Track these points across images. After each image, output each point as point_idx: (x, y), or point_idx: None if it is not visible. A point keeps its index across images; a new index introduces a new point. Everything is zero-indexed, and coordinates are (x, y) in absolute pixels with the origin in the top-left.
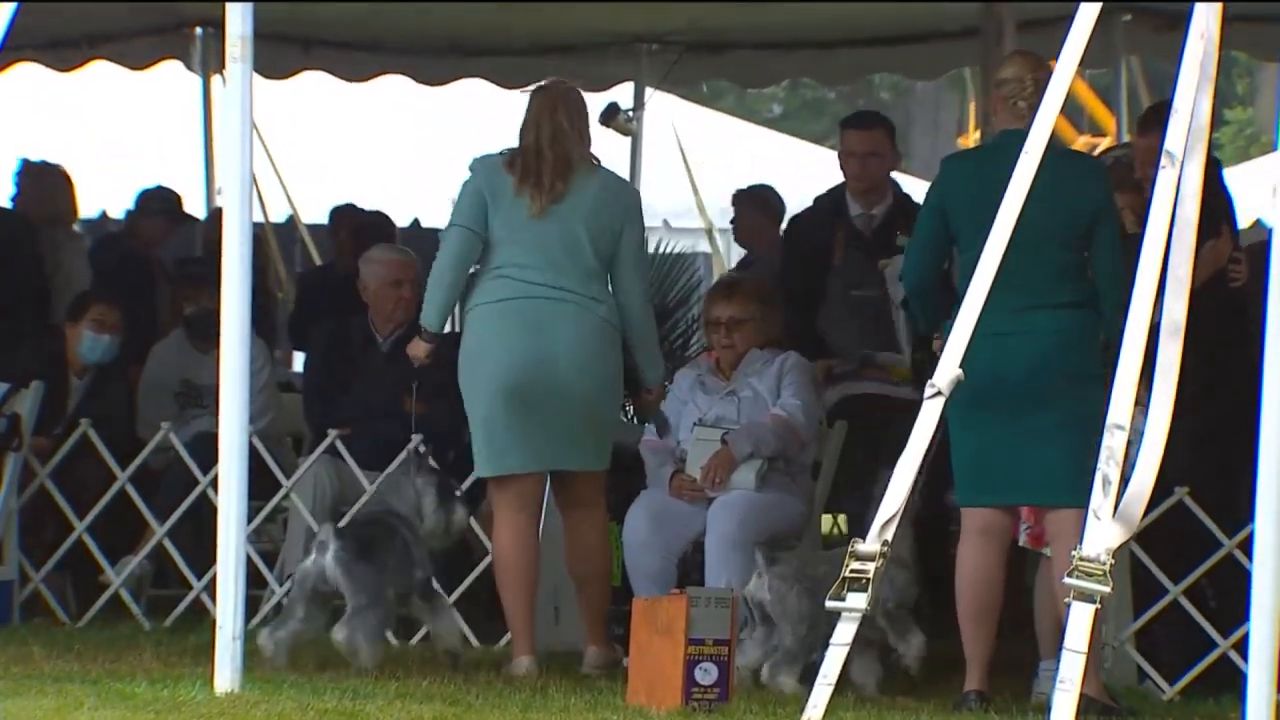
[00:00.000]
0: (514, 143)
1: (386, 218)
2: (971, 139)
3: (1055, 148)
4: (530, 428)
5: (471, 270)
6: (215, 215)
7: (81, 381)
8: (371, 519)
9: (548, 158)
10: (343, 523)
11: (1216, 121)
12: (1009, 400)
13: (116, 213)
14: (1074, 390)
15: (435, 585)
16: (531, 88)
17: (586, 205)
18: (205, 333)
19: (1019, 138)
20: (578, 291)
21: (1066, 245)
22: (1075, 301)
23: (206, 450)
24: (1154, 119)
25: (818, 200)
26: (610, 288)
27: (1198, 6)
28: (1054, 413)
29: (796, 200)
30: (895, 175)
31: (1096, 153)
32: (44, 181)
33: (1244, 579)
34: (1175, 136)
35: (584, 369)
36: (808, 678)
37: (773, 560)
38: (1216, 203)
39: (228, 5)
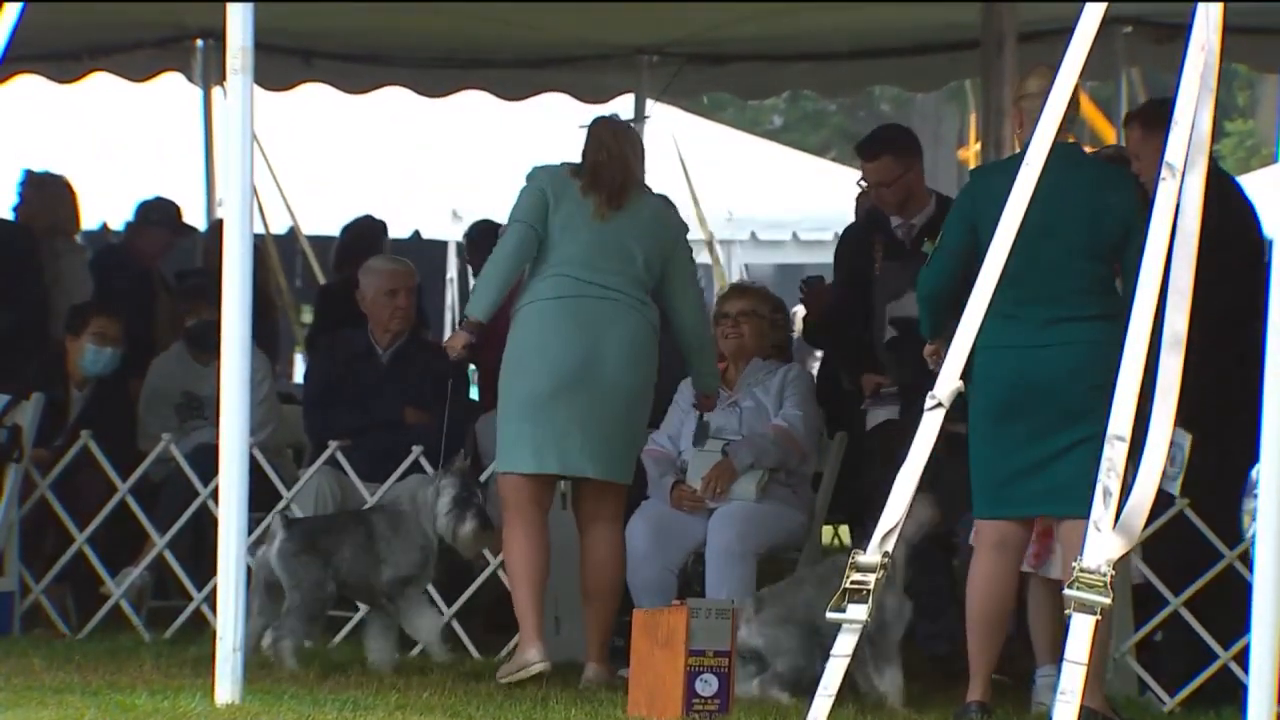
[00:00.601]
0: (515, 152)
1: (375, 225)
2: (972, 151)
3: (1085, 159)
4: (570, 429)
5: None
6: (216, 227)
7: (82, 393)
8: (343, 513)
9: (616, 168)
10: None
11: (1217, 134)
12: (1036, 412)
13: (117, 224)
14: (1102, 403)
15: (420, 588)
16: (588, 121)
17: (642, 223)
18: (206, 344)
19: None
20: (627, 293)
21: (1096, 257)
22: (1105, 314)
23: (207, 462)
24: (1151, 112)
25: (865, 213)
26: (660, 302)
27: (1198, 18)
28: (1082, 425)
29: (798, 212)
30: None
31: None
32: (46, 192)
33: (1245, 590)
34: (1175, 148)
35: (630, 368)
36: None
37: (760, 605)
38: (1251, 234)
39: (229, 18)
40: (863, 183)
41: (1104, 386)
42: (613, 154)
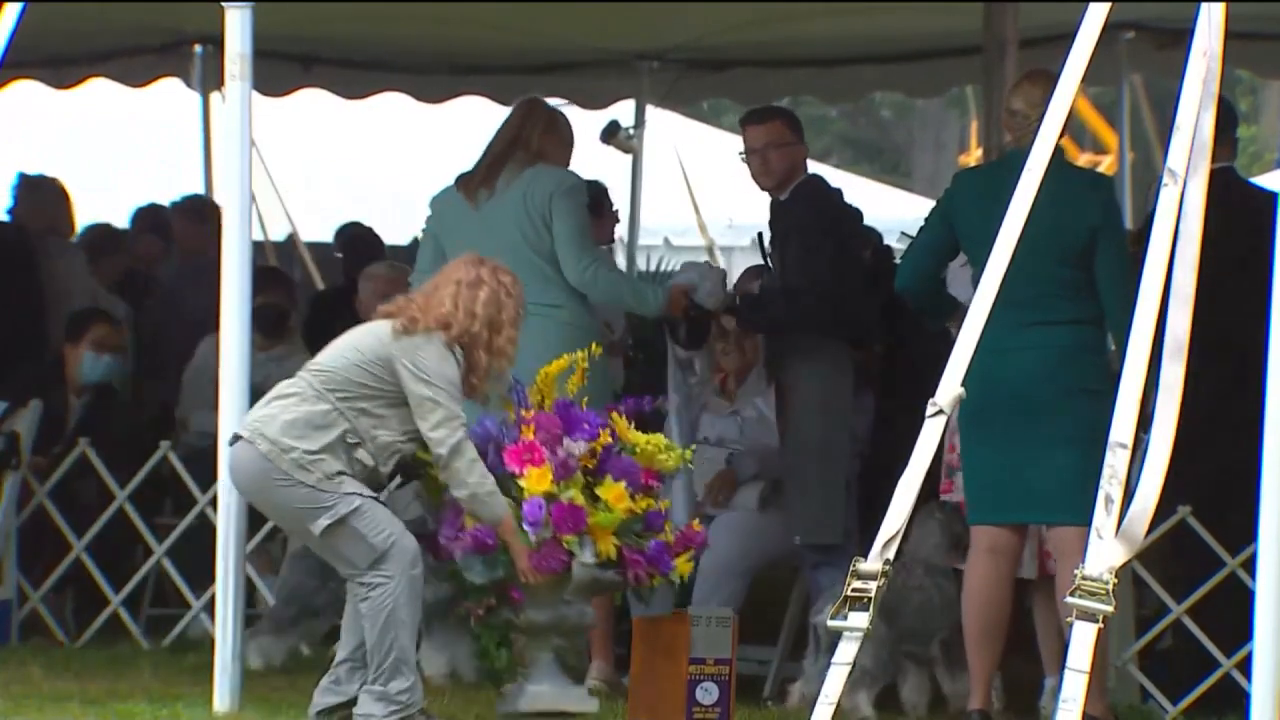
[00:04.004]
0: None
1: (368, 230)
2: (974, 157)
3: (1057, 163)
4: None
5: None
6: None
7: (80, 401)
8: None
9: (493, 152)
10: None
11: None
12: (1009, 416)
13: None
14: (1075, 406)
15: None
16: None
17: (515, 201)
18: (269, 328)
19: (1027, 153)
20: (535, 301)
21: (1065, 262)
22: (1077, 318)
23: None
24: None
25: None
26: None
27: (1200, 24)
28: (1055, 428)
29: None
30: (893, 192)
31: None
32: (39, 193)
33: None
34: (1177, 154)
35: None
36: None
37: None
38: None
39: (227, 24)
40: (743, 153)
41: (1076, 389)
42: (503, 136)
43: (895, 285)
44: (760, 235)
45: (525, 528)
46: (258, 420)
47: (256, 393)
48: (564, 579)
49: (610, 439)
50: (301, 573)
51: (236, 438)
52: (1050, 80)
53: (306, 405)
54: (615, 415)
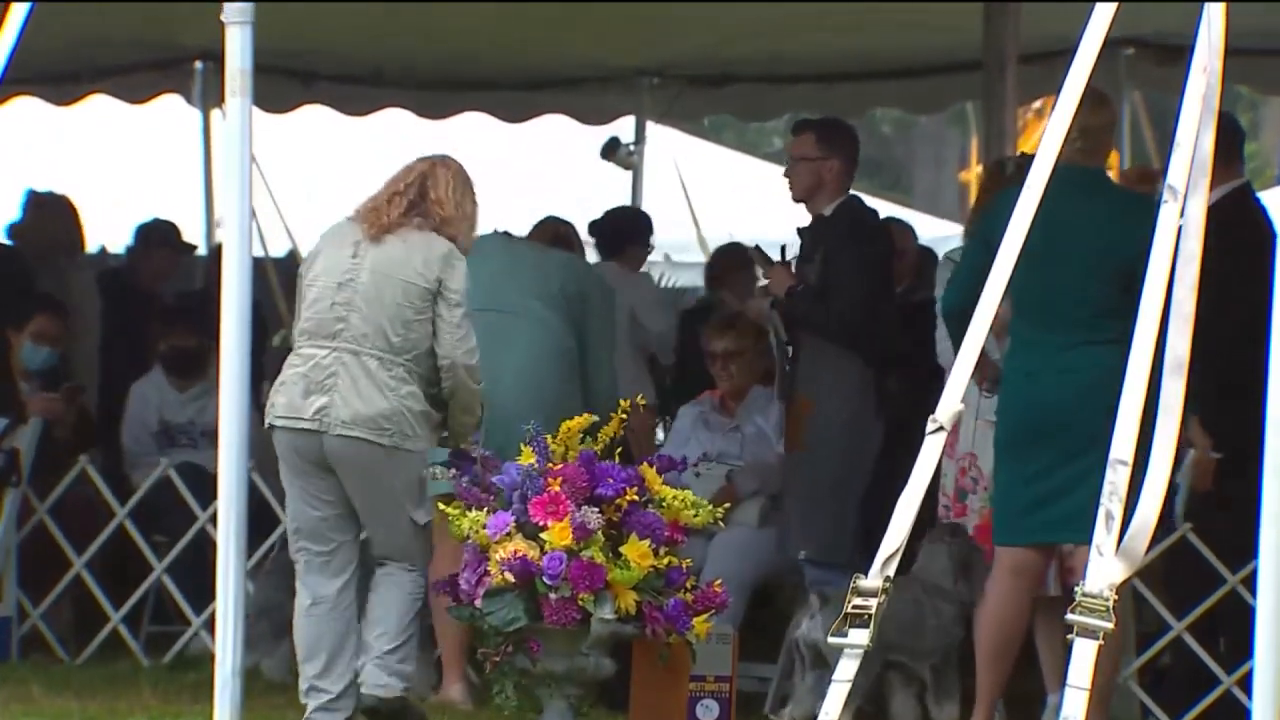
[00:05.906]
0: (516, 174)
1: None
2: (974, 173)
3: (1107, 185)
4: None
5: None
6: (216, 250)
7: (30, 386)
8: None
9: None
10: None
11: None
12: (1053, 438)
13: (117, 247)
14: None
15: None
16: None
17: (556, 267)
18: (180, 370)
19: (1073, 172)
20: (528, 308)
21: (1110, 284)
22: (1121, 338)
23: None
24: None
25: None
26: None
27: (1199, 41)
28: (1096, 450)
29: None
30: (893, 208)
31: None
32: (46, 211)
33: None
34: (1177, 171)
35: (531, 390)
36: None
37: (826, 600)
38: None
39: (228, 40)
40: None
41: (1116, 411)
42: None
43: (941, 308)
44: (784, 249)
45: (545, 580)
46: (388, 420)
47: (185, 431)
48: (582, 632)
49: (636, 496)
50: (269, 589)
51: (355, 437)
52: (1104, 101)
53: (409, 386)
54: (646, 467)
